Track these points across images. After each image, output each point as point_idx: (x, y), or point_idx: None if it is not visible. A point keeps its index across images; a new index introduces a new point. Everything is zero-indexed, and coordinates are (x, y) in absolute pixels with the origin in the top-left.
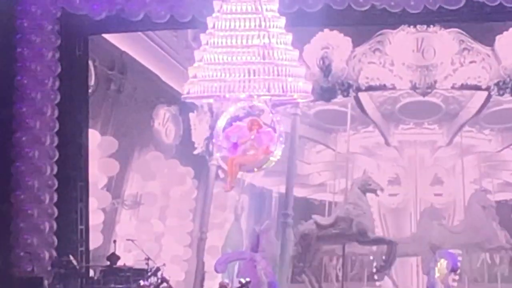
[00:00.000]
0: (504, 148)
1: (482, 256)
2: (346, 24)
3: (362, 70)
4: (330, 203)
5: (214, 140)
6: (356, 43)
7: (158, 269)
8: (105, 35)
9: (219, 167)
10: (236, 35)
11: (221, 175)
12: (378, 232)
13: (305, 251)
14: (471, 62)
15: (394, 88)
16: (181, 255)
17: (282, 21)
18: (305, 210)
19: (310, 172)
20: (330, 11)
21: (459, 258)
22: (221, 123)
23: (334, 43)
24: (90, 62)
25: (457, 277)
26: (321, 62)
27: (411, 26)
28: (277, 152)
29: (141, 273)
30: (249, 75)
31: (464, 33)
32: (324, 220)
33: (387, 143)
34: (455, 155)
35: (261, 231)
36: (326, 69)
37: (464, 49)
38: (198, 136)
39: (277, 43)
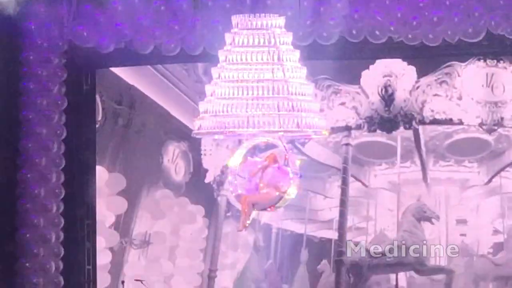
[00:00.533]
0: None
1: None
2: (363, 58)
3: (427, 102)
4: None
5: (229, 178)
6: (420, 73)
7: None
8: (113, 69)
9: (229, 203)
10: (249, 69)
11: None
12: None
13: (357, 281)
14: None
15: (461, 123)
16: None
17: (297, 54)
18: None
19: (323, 207)
20: (346, 44)
21: None
22: (234, 160)
23: (398, 71)
24: (98, 97)
25: None
26: (383, 91)
27: (481, 60)
28: (291, 190)
29: None
30: (262, 110)
31: None
32: (377, 248)
33: (425, 179)
34: (482, 194)
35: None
36: (388, 99)
37: None
38: (213, 163)
39: (291, 77)
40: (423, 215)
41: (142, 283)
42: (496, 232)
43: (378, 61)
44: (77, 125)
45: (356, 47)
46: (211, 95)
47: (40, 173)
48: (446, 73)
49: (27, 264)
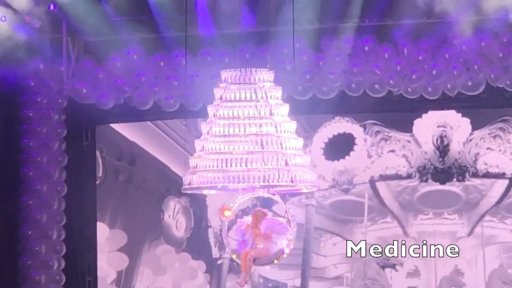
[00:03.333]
0: None
1: None
2: (363, 111)
3: (479, 155)
4: None
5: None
6: (475, 126)
7: None
8: (113, 125)
9: (231, 259)
10: (238, 124)
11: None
12: None
13: None
14: None
15: None
16: None
17: (286, 108)
18: None
19: (326, 265)
20: (345, 98)
21: None
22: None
23: (452, 122)
24: (98, 153)
25: None
26: (439, 141)
27: None
28: (289, 244)
29: None
30: (251, 165)
31: None
32: None
33: (405, 234)
34: (476, 245)
35: None
36: (443, 149)
37: None
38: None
39: (281, 131)
40: (386, 262)
41: None
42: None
43: (430, 111)
44: (77, 181)
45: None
46: (201, 151)
47: (41, 230)
48: (500, 128)
49: None
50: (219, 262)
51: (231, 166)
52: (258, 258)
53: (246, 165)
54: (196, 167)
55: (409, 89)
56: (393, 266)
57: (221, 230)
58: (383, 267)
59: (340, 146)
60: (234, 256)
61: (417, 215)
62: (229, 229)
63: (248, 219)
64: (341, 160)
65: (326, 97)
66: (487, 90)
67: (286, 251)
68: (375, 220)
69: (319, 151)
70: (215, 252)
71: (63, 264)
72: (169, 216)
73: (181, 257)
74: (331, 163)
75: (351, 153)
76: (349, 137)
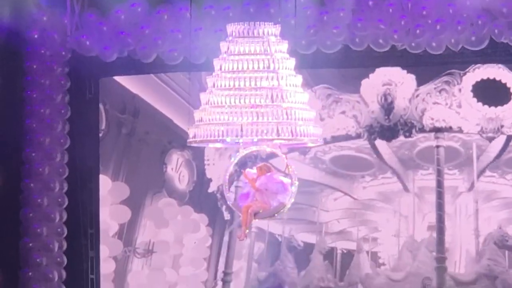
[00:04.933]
0: None
1: None
2: (367, 66)
3: (426, 110)
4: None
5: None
6: (420, 82)
7: None
8: (116, 78)
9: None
10: (243, 77)
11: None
12: None
13: None
14: None
15: (461, 131)
16: None
17: (292, 62)
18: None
19: (329, 219)
20: (349, 52)
21: None
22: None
23: (397, 80)
24: (101, 105)
25: None
26: (383, 99)
27: (481, 67)
28: (290, 199)
29: None
30: (257, 119)
31: None
32: (464, 276)
33: (406, 189)
34: (478, 201)
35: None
36: (387, 107)
37: None
38: (216, 172)
39: (286, 85)
40: (505, 244)
41: None
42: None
43: (377, 70)
44: (80, 134)
45: (357, 55)
46: (206, 104)
47: (43, 182)
48: (446, 81)
49: (30, 273)
50: (222, 208)
51: (236, 119)
52: (259, 212)
53: (251, 119)
54: (201, 120)
55: (413, 44)
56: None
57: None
58: (500, 248)
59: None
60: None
61: (417, 170)
62: (230, 183)
63: (254, 171)
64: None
65: (330, 51)
66: (491, 45)
67: (287, 205)
68: (375, 175)
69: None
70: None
71: (65, 217)
72: (172, 169)
73: (184, 210)
74: None
75: None
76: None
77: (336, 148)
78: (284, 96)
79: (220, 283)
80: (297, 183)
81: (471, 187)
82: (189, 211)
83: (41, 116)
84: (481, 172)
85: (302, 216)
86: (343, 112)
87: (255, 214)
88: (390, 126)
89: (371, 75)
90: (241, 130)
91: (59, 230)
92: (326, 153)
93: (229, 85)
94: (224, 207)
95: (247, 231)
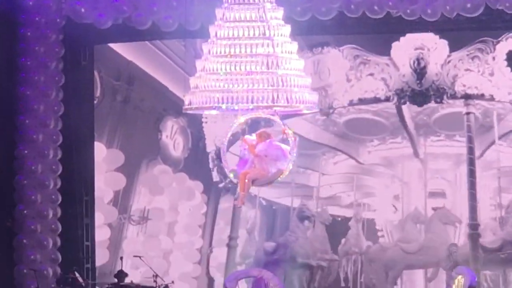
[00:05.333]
0: None
1: None
2: (362, 33)
3: (458, 76)
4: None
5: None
6: (453, 47)
7: (166, 287)
8: (111, 45)
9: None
10: (239, 44)
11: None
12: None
13: None
14: None
15: (492, 99)
16: (190, 272)
17: (287, 29)
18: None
19: (322, 184)
20: (344, 19)
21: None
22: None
23: (430, 45)
24: (96, 73)
25: None
26: (416, 64)
27: None
28: (288, 165)
29: None
30: (253, 85)
31: None
32: (491, 244)
33: (416, 155)
34: (479, 169)
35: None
36: (420, 72)
37: None
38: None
39: (281, 52)
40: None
41: (141, 259)
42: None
43: (408, 34)
44: (74, 101)
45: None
46: (202, 71)
47: (37, 149)
48: (479, 49)
49: (24, 240)
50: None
51: (232, 86)
52: (257, 179)
53: (246, 86)
54: (197, 87)
55: (408, 11)
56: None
57: (219, 151)
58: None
59: None
60: (231, 175)
61: (428, 136)
62: (227, 148)
63: (253, 138)
64: None
65: (325, 18)
66: (486, 12)
67: (285, 172)
68: (384, 140)
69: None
70: (213, 174)
71: (59, 184)
72: (167, 136)
73: (179, 177)
74: None
75: None
76: None
77: (354, 111)
78: (279, 63)
79: (225, 248)
80: (295, 148)
81: (481, 155)
82: (184, 178)
83: (35, 83)
84: (493, 141)
85: (297, 180)
86: (371, 74)
87: (253, 181)
88: (421, 91)
89: (402, 39)
90: (238, 97)
91: (53, 197)
92: (343, 116)
93: (225, 52)
94: (215, 169)
95: (245, 197)
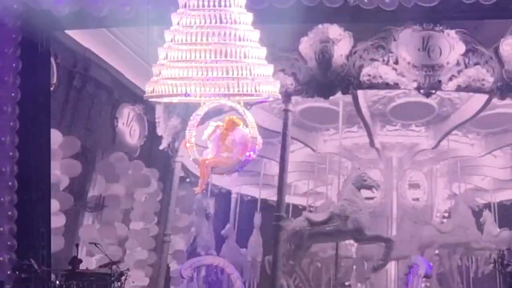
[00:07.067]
0: (486, 153)
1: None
2: (318, 22)
3: (363, 67)
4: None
5: (186, 142)
6: (357, 39)
7: (121, 274)
8: (68, 32)
9: (184, 168)
10: (201, 32)
11: (186, 176)
12: None
13: (296, 249)
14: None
15: (397, 87)
16: (146, 259)
17: (250, 17)
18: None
19: (277, 172)
20: (301, 7)
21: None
22: (192, 123)
23: (334, 37)
24: (52, 59)
25: (428, 284)
26: (320, 56)
27: (417, 24)
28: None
29: (104, 278)
30: (216, 74)
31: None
32: (317, 217)
33: (372, 144)
34: (433, 159)
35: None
36: (325, 64)
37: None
38: (166, 130)
39: (244, 39)
40: (363, 184)
41: (96, 246)
42: (451, 196)
43: (316, 28)
44: (31, 87)
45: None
46: (164, 59)
47: None
48: (382, 38)
49: None
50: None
51: (195, 74)
52: (217, 167)
53: (211, 74)
54: (159, 75)
55: (365, 0)
56: (369, 187)
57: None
58: (359, 188)
59: None
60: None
61: (384, 125)
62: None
63: (219, 124)
64: None
65: (282, 6)
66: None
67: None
68: (339, 129)
69: None
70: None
71: (15, 170)
72: (123, 123)
73: (134, 165)
74: None
75: None
76: None
77: (310, 100)
78: (244, 52)
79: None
80: (261, 141)
81: (436, 145)
82: (140, 166)
83: None
84: (450, 131)
85: (251, 168)
86: (282, 70)
87: (212, 168)
88: (327, 83)
89: (309, 33)
90: (202, 85)
91: (9, 183)
92: (299, 104)
93: (187, 40)
94: (176, 164)
95: (204, 184)
